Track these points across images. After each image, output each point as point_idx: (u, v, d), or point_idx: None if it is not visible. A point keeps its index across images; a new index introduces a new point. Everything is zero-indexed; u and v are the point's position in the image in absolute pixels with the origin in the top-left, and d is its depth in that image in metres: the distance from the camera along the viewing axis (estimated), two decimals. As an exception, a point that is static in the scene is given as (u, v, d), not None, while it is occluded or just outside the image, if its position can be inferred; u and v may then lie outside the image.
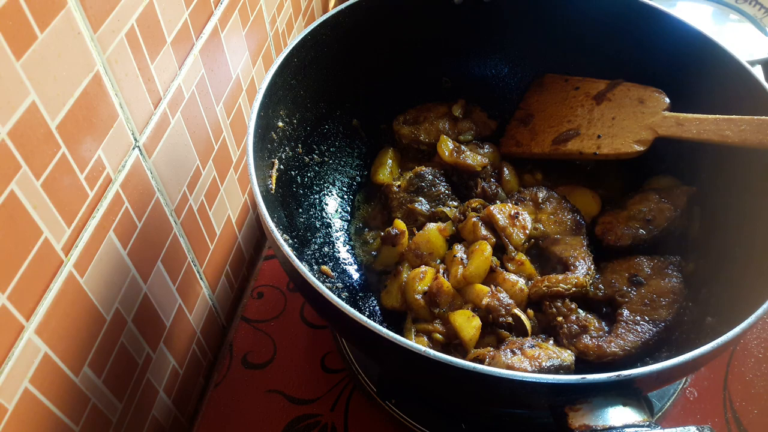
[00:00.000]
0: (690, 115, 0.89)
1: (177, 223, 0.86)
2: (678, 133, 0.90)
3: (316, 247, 0.94)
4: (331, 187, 1.04)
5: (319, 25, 0.94)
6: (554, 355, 0.75)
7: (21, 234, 0.56)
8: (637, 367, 0.59)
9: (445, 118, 1.09)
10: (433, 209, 0.98)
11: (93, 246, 0.67)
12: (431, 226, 0.94)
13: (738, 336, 0.62)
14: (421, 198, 0.98)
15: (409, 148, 1.09)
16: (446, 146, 1.02)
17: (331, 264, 0.93)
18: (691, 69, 0.93)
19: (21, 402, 0.58)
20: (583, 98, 1.03)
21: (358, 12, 0.98)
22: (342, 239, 0.99)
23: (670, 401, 0.90)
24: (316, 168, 1.02)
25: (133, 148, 0.73)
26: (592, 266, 0.89)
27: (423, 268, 0.89)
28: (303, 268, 0.67)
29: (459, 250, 0.89)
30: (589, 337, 0.81)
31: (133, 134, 0.73)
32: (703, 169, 0.94)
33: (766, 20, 1.42)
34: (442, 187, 0.99)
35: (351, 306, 0.64)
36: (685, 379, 0.93)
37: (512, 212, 0.92)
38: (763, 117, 0.81)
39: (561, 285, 0.85)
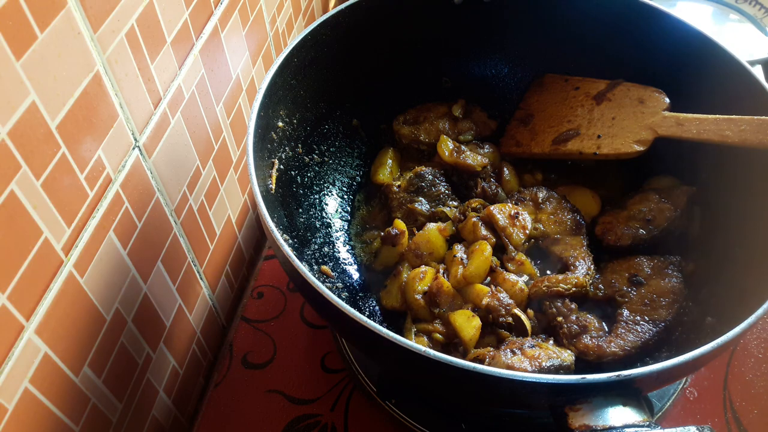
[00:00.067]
0: (690, 115, 0.89)
1: (177, 223, 0.86)
2: (678, 133, 0.90)
3: (316, 247, 0.94)
4: (331, 187, 1.04)
5: (319, 25, 0.94)
6: (554, 355, 0.75)
7: (21, 234, 0.56)
8: (637, 367, 0.59)
9: (445, 118, 1.09)
10: (433, 209, 0.98)
11: (93, 246, 0.67)
12: (431, 226, 0.94)
13: (738, 336, 0.62)
14: (421, 198, 0.98)
15: (409, 148, 1.09)
16: (446, 146, 1.02)
17: (331, 264, 0.93)
18: (691, 69, 0.93)
19: (21, 402, 0.58)
20: (583, 98, 1.03)
21: (358, 12, 0.98)
22: (342, 239, 0.99)
23: (670, 401, 0.90)
24: (316, 168, 1.02)
25: (133, 148, 0.73)
26: (592, 266, 0.89)
27: (423, 268, 0.89)
28: (303, 268, 0.67)
29: (459, 250, 0.89)
30: (589, 337, 0.81)
31: (133, 134, 0.73)
32: (703, 169, 0.94)
33: (766, 20, 1.42)
34: (442, 187, 0.99)
35: (351, 306, 0.64)
36: (685, 379, 0.93)
37: (512, 212, 0.92)
38: (763, 117, 0.81)
39: (561, 285, 0.85)
